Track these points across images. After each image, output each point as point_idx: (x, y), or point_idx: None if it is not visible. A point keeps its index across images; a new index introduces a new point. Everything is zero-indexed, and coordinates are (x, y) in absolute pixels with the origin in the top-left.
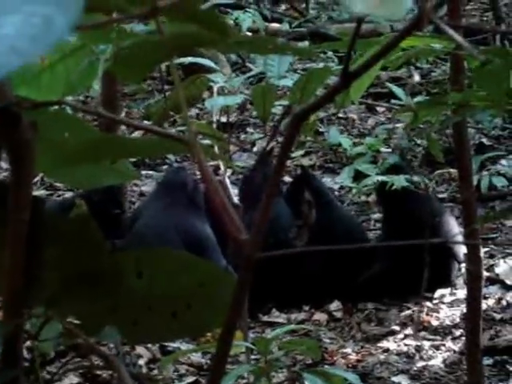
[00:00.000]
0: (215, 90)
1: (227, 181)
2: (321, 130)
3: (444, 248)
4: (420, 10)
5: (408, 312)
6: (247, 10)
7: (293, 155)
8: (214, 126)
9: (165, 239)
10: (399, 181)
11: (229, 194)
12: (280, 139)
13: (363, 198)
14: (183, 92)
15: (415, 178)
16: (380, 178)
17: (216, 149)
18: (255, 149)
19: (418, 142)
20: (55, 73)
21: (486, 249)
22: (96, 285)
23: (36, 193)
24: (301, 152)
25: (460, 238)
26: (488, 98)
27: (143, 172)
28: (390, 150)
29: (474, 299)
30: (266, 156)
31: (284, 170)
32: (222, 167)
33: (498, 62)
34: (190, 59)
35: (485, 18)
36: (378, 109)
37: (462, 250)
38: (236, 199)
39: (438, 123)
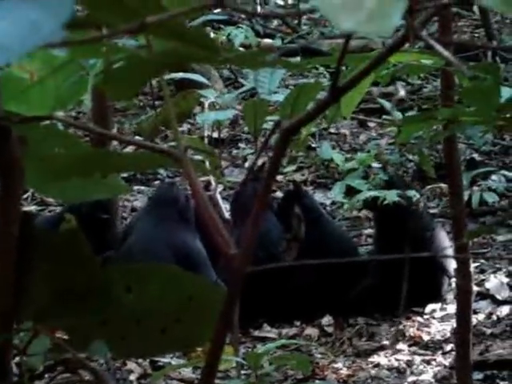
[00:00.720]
0: (206, 105)
1: (218, 196)
2: (313, 145)
3: (434, 263)
4: (407, 27)
5: (400, 327)
6: (239, 25)
7: (285, 170)
8: (206, 141)
9: (155, 255)
10: (391, 196)
11: (220, 209)
12: (271, 154)
13: (355, 213)
14: (174, 107)
15: (406, 193)
16: (372, 193)
17: (207, 164)
18: (247, 164)
19: (410, 157)
20: (45, 88)
21: (477, 264)
22: (85, 299)
23: (27, 208)
24: (293, 167)
25: (450, 253)
26: (477, 113)
27: (135, 187)
28: (381, 165)
29: (463, 314)
30: (257, 171)
31: (273, 186)
32: (213, 182)
33: (487, 78)
34: (181, 75)
35: (476, 35)
36: (369, 124)
37: (452, 265)
38: (227, 214)
39: (429, 139)
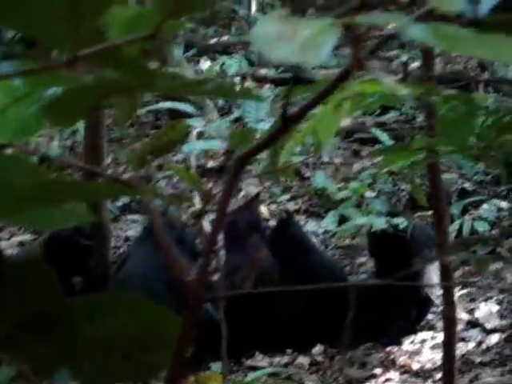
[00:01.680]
0: (194, 134)
1: (206, 224)
2: (307, 174)
3: (417, 293)
4: (352, 57)
5: (390, 355)
6: (233, 55)
7: (279, 199)
8: (193, 170)
9: (150, 283)
10: (378, 223)
11: (206, 236)
12: (267, 184)
13: (347, 241)
14: (163, 137)
15: (395, 221)
16: (361, 221)
17: (196, 194)
18: (242, 193)
19: (402, 186)
20: (6, 117)
21: (466, 292)
22: (48, 328)
23: (21, 237)
24: (287, 196)
25: (435, 280)
26: (452, 143)
27: (129, 216)
28: (374, 194)
29: (449, 343)
30: (251, 201)
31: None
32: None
33: (462, 108)
34: (168, 104)
35: (469, 66)
36: (362, 153)
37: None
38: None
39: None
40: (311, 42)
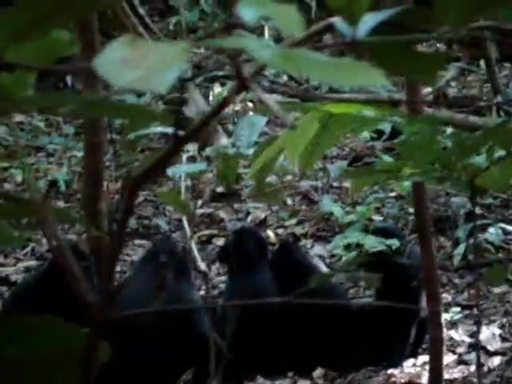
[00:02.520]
0: (184, 158)
1: (193, 246)
2: (315, 199)
3: (418, 315)
4: (236, 79)
5: (392, 379)
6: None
7: (286, 224)
8: (182, 194)
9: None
10: (372, 243)
11: (195, 259)
12: (275, 208)
13: (353, 266)
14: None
15: (389, 242)
16: (351, 239)
17: (184, 219)
18: (250, 218)
19: (410, 210)
20: None
21: (469, 314)
22: None
23: (26, 263)
24: (294, 220)
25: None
26: (415, 166)
27: (136, 242)
28: (381, 218)
29: (436, 364)
30: (258, 224)
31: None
32: (188, 233)
33: (424, 131)
34: (159, 129)
35: (485, 89)
36: None
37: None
38: (202, 265)
39: (433, 192)
40: (157, 68)
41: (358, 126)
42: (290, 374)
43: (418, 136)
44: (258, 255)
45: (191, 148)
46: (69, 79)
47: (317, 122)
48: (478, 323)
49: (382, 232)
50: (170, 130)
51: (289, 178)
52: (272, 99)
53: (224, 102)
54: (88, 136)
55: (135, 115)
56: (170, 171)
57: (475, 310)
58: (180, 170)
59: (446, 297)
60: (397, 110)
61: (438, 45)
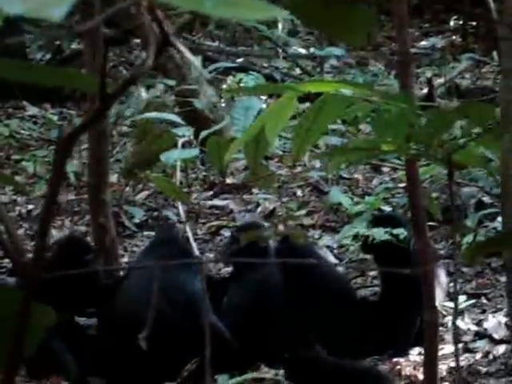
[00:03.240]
0: (179, 144)
1: (190, 234)
2: (325, 190)
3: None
4: (160, 32)
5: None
6: (250, 72)
7: (296, 214)
8: (178, 180)
9: (150, 296)
10: (378, 234)
11: (191, 246)
12: (285, 199)
13: (361, 255)
14: (150, 146)
15: (395, 231)
16: (360, 230)
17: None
18: (259, 209)
19: None
20: None
21: (476, 303)
22: None
23: None
24: (303, 211)
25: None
26: (389, 143)
27: (145, 233)
28: (390, 208)
29: (430, 349)
30: (268, 216)
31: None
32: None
33: (394, 109)
34: (153, 115)
35: (498, 80)
36: (383, 169)
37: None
38: (197, 252)
39: (437, 182)
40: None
41: (351, 111)
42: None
43: (388, 113)
44: (259, 247)
45: (187, 133)
46: None
47: (295, 102)
48: (456, 296)
49: (387, 220)
50: (174, 116)
51: (299, 169)
52: (193, 57)
53: (147, 61)
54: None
55: (61, 80)
56: (163, 157)
57: (483, 299)
58: (173, 156)
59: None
60: (375, 89)
61: (454, 37)
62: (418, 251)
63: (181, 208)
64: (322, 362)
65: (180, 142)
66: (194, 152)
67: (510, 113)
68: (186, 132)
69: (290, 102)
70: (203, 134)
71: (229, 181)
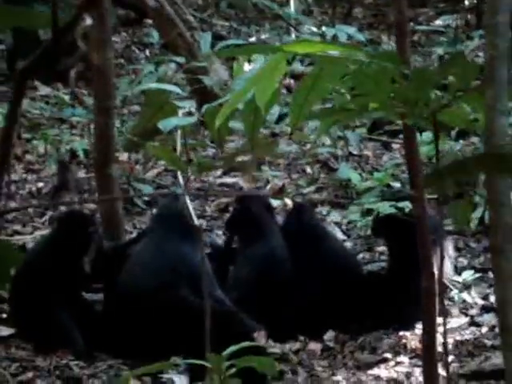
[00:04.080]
0: (180, 114)
1: (188, 201)
2: (335, 167)
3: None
4: None
5: (403, 341)
6: None
7: (305, 191)
8: (178, 149)
9: (157, 267)
10: (384, 208)
11: (190, 213)
12: (294, 176)
13: (369, 231)
14: (152, 118)
15: (401, 205)
16: (366, 205)
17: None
18: (269, 186)
19: None
20: None
21: (482, 277)
22: None
23: (43, 232)
24: (312, 188)
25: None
26: (375, 100)
27: (154, 211)
28: (399, 184)
29: (428, 316)
30: (278, 192)
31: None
32: (182, 183)
33: (376, 65)
34: (154, 85)
35: None
36: (393, 146)
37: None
38: (196, 220)
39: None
40: None
41: (348, 79)
42: (301, 337)
43: (370, 68)
44: (264, 217)
45: (187, 104)
46: None
47: (284, 64)
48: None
49: (394, 194)
50: (176, 88)
51: (308, 146)
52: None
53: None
54: (98, 100)
55: (16, 20)
56: (161, 124)
57: (490, 273)
58: (171, 123)
59: (462, 261)
60: (361, 49)
61: (469, 16)
62: (415, 215)
63: (180, 178)
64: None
65: (181, 112)
66: (192, 119)
67: (494, 69)
68: (187, 104)
69: (280, 64)
70: (206, 106)
71: (238, 158)
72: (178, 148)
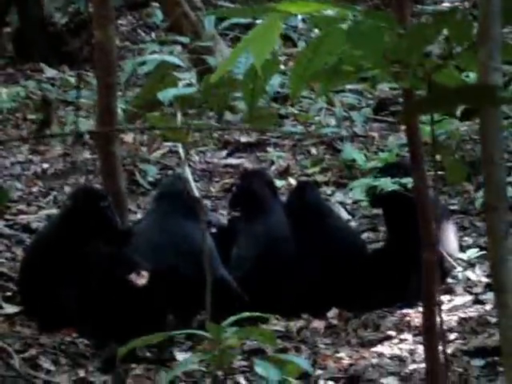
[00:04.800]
0: (180, 85)
1: (188, 172)
2: (339, 147)
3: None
4: None
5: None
6: None
7: (309, 171)
8: (179, 118)
9: (161, 246)
10: (386, 184)
11: (190, 185)
12: (299, 158)
13: (374, 211)
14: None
15: (403, 181)
16: (366, 181)
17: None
18: (273, 167)
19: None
20: None
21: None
22: None
23: (48, 211)
24: (317, 169)
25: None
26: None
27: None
28: None
29: (428, 288)
30: (283, 172)
31: None
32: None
33: (369, 22)
34: (155, 57)
35: None
36: (399, 126)
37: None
38: (197, 192)
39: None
40: None
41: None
42: (305, 315)
43: (364, 24)
44: (267, 195)
45: (188, 76)
46: None
47: (280, 24)
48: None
49: (397, 168)
50: (176, 59)
51: (313, 127)
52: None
53: None
54: (101, 77)
55: None
56: (160, 95)
57: None
58: (169, 94)
59: (467, 239)
60: (357, 8)
61: None
62: (416, 188)
63: (181, 150)
64: None
65: (181, 84)
66: (191, 89)
67: (488, 26)
68: (188, 76)
69: (275, 23)
70: (206, 78)
71: (243, 139)
72: (179, 119)
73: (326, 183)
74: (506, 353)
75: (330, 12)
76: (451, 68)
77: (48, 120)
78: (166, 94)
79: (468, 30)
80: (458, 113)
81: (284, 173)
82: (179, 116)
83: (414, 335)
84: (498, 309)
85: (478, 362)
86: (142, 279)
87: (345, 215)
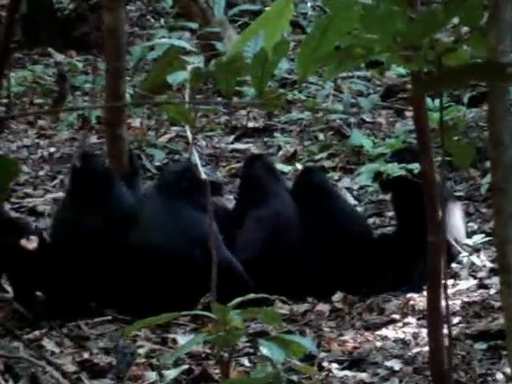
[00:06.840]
0: (188, 69)
1: (196, 156)
2: (347, 133)
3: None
4: None
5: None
6: None
7: (317, 157)
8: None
9: (165, 229)
10: (392, 169)
11: (197, 169)
12: (306, 143)
13: (381, 196)
14: (161, 74)
15: (410, 166)
16: (374, 166)
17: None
18: (280, 153)
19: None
20: None
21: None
22: None
23: (55, 195)
24: (324, 154)
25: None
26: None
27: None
28: None
29: (434, 272)
30: (290, 158)
31: None
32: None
33: (383, 7)
34: (164, 41)
35: None
36: (406, 113)
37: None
38: (204, 175)
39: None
40: None
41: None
42: (310, 298)
43: (377, 9)
44: (271, 182)
45: (196, 60)
46: None
47: (291, 7)
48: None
49: (407, 153)
50: (184, 43)
51: (320, 114)
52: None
53: None
54: (109, 62)
55: None
56: (169, 78)
57: None
58: (179, 77)
59: (473, 225)
60: None
61: None
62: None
63: (188, 131)
64: None
65: (189, 67)
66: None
67: (498, 9)
68: (196, 59)
69: (287, 6)
70: (214, 62)
71: (250, 124)
72: (186, 98)
73: (334, 169)
74: (510, 331)
75: None
76: (461, 51)
77: (63, 95)
78: (176, 77)
79: (479, 13)
80: (465, 100)
81: (291, 158)
82: (187, 97)
83: (418, 319)
84: (503, 288)
85: (481, 346)
86: (31, 244)
87: (351, 200)
